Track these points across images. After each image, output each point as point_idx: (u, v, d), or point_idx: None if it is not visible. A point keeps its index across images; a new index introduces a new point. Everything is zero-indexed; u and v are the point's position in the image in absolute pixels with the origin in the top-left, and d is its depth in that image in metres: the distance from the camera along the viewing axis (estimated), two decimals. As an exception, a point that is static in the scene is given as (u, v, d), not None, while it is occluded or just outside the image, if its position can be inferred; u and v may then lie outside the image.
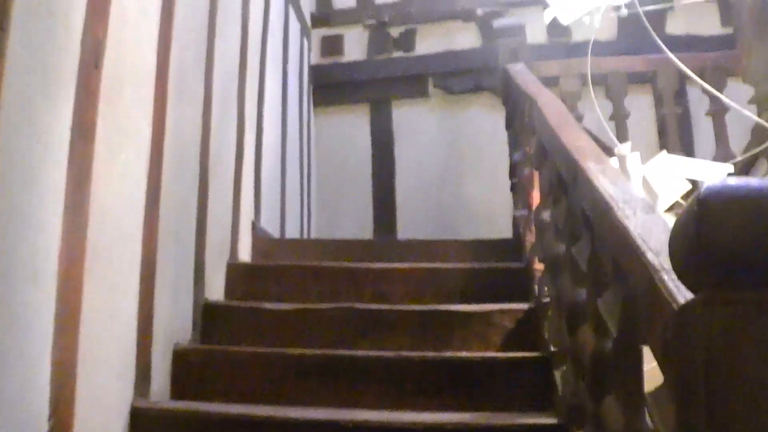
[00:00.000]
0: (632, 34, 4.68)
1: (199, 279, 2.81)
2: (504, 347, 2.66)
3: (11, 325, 1.53)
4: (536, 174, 2.84)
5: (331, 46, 5.84)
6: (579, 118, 3.41)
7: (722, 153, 3.48)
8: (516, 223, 3.63)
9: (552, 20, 2.94)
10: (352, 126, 5.72)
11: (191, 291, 2.74)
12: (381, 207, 5.58)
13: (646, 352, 1.18)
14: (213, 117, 3.01)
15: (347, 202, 5.61)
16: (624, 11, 2.73)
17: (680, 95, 4.35)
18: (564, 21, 2.85)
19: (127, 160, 2.17)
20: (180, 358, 2.52)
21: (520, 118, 3.33)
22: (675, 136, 3.79)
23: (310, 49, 5.66)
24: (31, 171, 1.62)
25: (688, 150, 4.38)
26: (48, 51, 1.69)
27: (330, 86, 5.75)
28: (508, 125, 3.88)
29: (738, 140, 3.60)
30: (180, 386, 2.50)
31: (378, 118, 5.70)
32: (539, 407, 2.29)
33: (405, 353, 2.55)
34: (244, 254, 3.49)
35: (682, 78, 3.69)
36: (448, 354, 2.58)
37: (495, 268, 3.23)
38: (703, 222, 0.80)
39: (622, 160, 2.44)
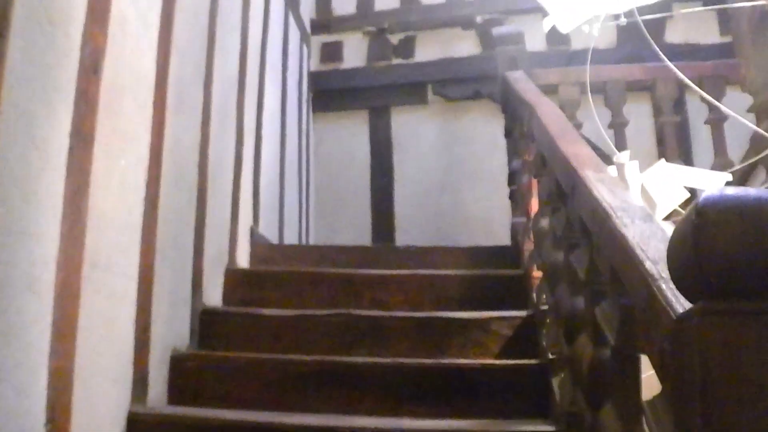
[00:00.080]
0: (631, 42, 4.72)
1: (197, 285, 2.81)
2: (502, 355, 2.66)
3: (9, 333, 1.53)
4: (535, 182, 2.85)
5: (331, 52, 5.84)
6: (578, 127, 3.42)
7: (721, 162, 3.48)
8: (514, 230, 3.63)
9: (551, 28, 2.94)
10: (351, 132, 5.73)
11: (189, 297, 2.74)
12: (379, 213, 5.58)
13: (644, 361, 1.18)
14: (212, 124, 3.01)
15: (346, 208, 5.61)
16: (623, 20, 2.72)
17: (679, 104, 4.36)
18: (563, 29, 2.84)
19: (126, 167, 2.17)
20: (178, 364, 2.52)
21: (519, 125, 3.34)
22: (674, 144, 3.79)
23: (309, 56, 5.67)
24: (29, 178, 1.62)
25: (686, 158, 4.39)
26: (47, 58, 1.70)
27: (329, 93, 5.75)
28: (507, 133, 3.89)
29: (736, 149, 3.61)
30: (177, 392, 2.49)
31: (377, 125, 5.70)
32: (537, 415, 2.29)
33: (403, 360, 2.55)
34: (243, 260, 3.49)
35: (681, 87, 3.69)
36: (446, 361, 2.58)
37: (493, 275, 3.23)
38: (701, 232, 0.80)
39: (620, 168, 2.44)
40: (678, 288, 0.91)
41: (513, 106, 3.56)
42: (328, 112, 5.77)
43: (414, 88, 5.65)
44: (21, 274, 1.58)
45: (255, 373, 2.50)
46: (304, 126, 5.30)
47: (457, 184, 5.46)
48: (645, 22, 2.64)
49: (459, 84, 5.54)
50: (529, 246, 3.01)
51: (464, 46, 5.63)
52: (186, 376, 2.51)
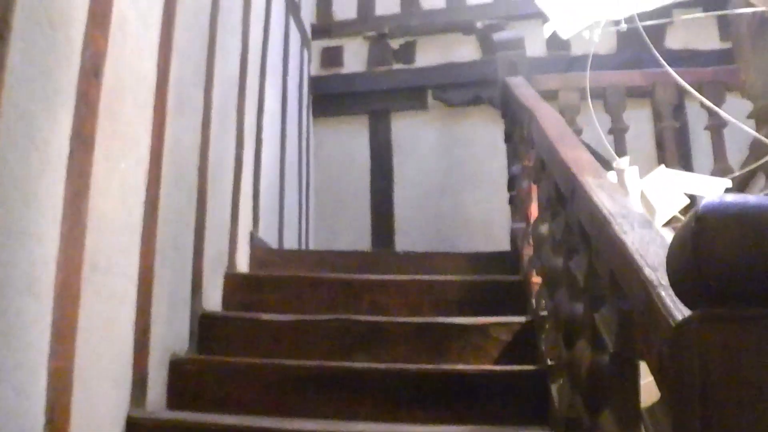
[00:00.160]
0: (631, 48, 4.73)
1: (197, 289, 2.81)
2: (501, 360, 2.66)
3: (9, 333, 1.53)
4: (534, 187, 2.85)
5: (331, 57, 5.85)
6: (578, 132, 3.42)
7: (720, 167, 3.48)
8: (514, 235, 3.63)
9: (552, 34, 2.95)
10: (352, 137, 5.73)
11: (188, 301, 2.74)
12: (379, 218, 5.58)
13: (643, 367, 1.18)
14: (212, 127, 3.01)
15: (346, 213, 5.62)
16: (623, 25, 2.73)
17: (679, 109, 4.36)
18: (563, 35, 2.85)
19: (126, 170, 2.17)
20: (177, 369, 2.52)
21: (519, 131, 3.34)
22: (673, 150, 3.79)
23: (310, 60, 5.67)
24: (29, 180, 1.62)
25: (686, 164, 4.40)
26: (48, 61, 1.70)
27: (330, 97, 5.76)
28: (507, 138, 3.89)
29: (736, 155, 3.61)
30: (176, 397, 2.49)
31: (377, 130, 5.71)
32: (535, 421, 2.28)
33: (402, 365, 2.55)
34: (242, 264, 3.49)
35: (681, 92, 3.70)
36: (445, 366, 2.58)
37: (492, 280, 3.23)
38: (701, 238, 0.81)
39: (620, 174, 2.45)
40: (677, 292, 0.91)
41: (513, 110, 3.57)
42: (328, 117, 5.78)
43: (414, 93, 5.66)
44: (21, 274, 1.58)
45: (254, 377, 2.50)
46: (304, 129, 5.31)
47: (456, 189, 5.47)
48: (645, 27, 2.65)
49: (459, 89, 5.54)
50: (528, 251, 3.01)
51: (464, 51, 5.64)
52: (185, 381, 2.51)
